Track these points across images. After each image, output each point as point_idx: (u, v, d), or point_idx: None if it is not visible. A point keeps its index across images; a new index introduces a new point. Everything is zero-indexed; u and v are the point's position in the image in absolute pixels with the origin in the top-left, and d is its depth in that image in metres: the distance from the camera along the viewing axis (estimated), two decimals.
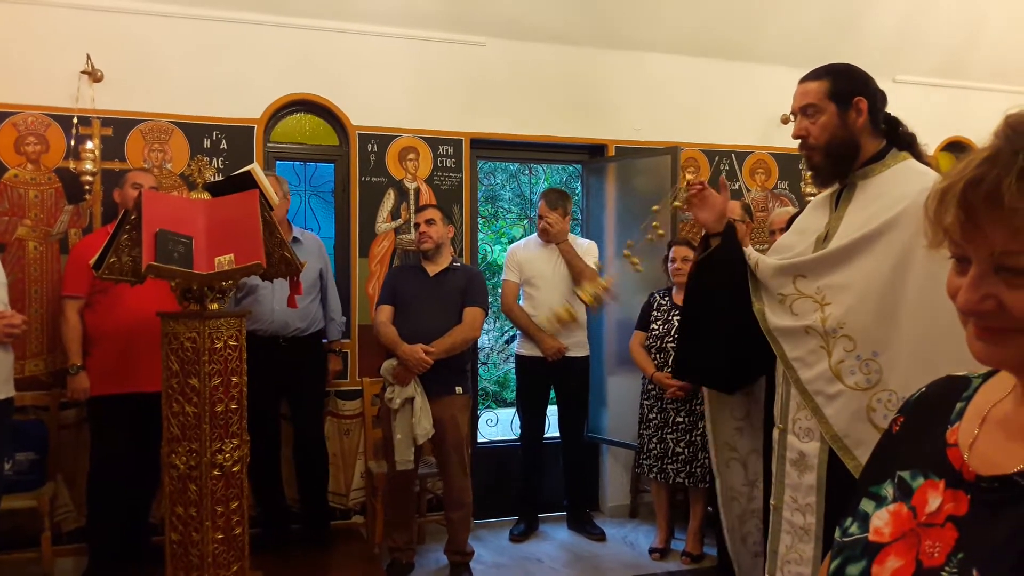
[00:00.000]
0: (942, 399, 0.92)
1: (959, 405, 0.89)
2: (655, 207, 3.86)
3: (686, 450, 4.11)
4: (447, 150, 4.62)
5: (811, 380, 1.97)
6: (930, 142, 3.39)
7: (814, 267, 2.01)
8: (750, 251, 2.24)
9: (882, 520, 0.86)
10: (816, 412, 1.96)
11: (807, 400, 1.99)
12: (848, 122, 1.99)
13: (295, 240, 4.06)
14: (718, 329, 2.23)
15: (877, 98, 2.02)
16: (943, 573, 0.77)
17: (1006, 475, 0.77)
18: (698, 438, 4.06)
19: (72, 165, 3.92)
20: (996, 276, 0.75)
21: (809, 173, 4.95)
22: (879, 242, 1.90)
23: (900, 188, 1.91)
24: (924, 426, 0.91)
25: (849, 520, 0.92)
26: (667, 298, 4.28)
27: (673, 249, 4.22)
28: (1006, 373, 0.83)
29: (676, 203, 2.36)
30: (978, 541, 0.76)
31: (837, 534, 0.92)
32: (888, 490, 0.89)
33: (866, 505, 0.90)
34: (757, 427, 2.31)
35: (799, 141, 2.07)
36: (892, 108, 2.10)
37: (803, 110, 2.04)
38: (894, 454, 0.93)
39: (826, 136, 2.00)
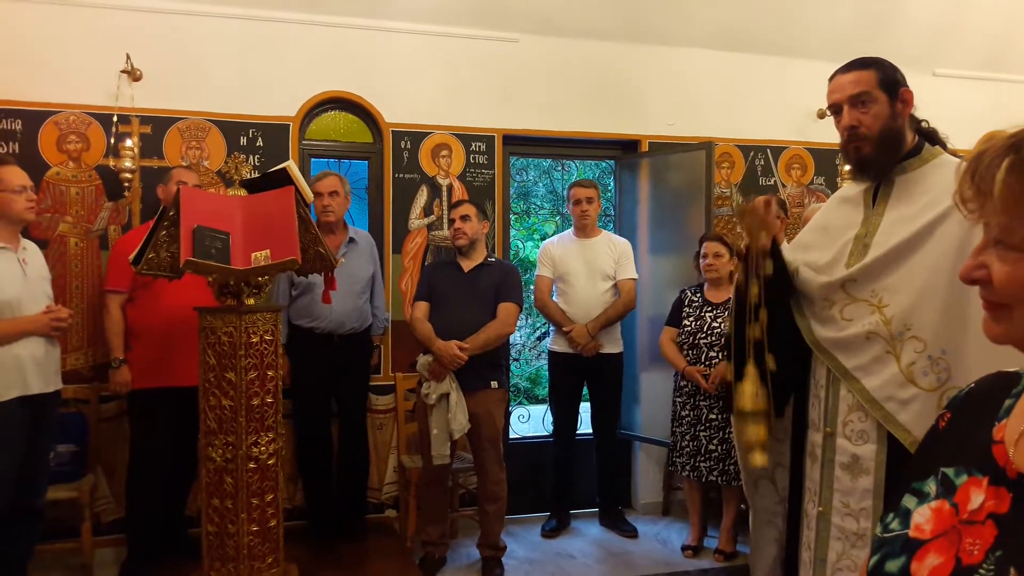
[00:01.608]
0: (990, 395, 0.90)
1: (1008, 402, 0.87)
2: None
3: (719, 447, 4.07)
4: (479, 146, 4.63)
5: (879, 387, 1.90)
6: (971, 136, 3.33)
7: (867, 272, 1.94)
8: (789, 259, 2.15)
9: (923, 517, 0.85)
10: (888, 420, 1.87)
11: (874, 408, 1.90)
12: (896, 113, 1.95)
13: (351, 240, 4.11)
14: (779, 354, 2.09)
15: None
16: (981, 570, 0.76)
17: None
18: (731, 435, 4.03)
19: (112, 163, 4.00)
20: (994, 248, 0.77)
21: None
22: (932, 237, 1.85)
23: (945, 181, 1.84)
24: (971, 422, 0.90)
25: (891, 516, 0.90)
26: (699, 294, 4.24)
27: (705, 245, 4.18)
28: None
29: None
30: (1018, 539, 0.75)
31: (878, 529, 0.91)
32: (931, 487, 0.87)
33: (908, 501, 0.89)
34: (780, 439, 2.22)
35: (848, 132, 1.98)
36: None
37: (853, 100, 1.95)
38: (939, 450, 0.91)
39: (879, 126, 1.94)
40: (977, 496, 0.81)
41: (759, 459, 2.07)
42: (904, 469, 0.97)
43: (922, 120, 2.02)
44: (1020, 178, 0.74)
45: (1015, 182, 0.74)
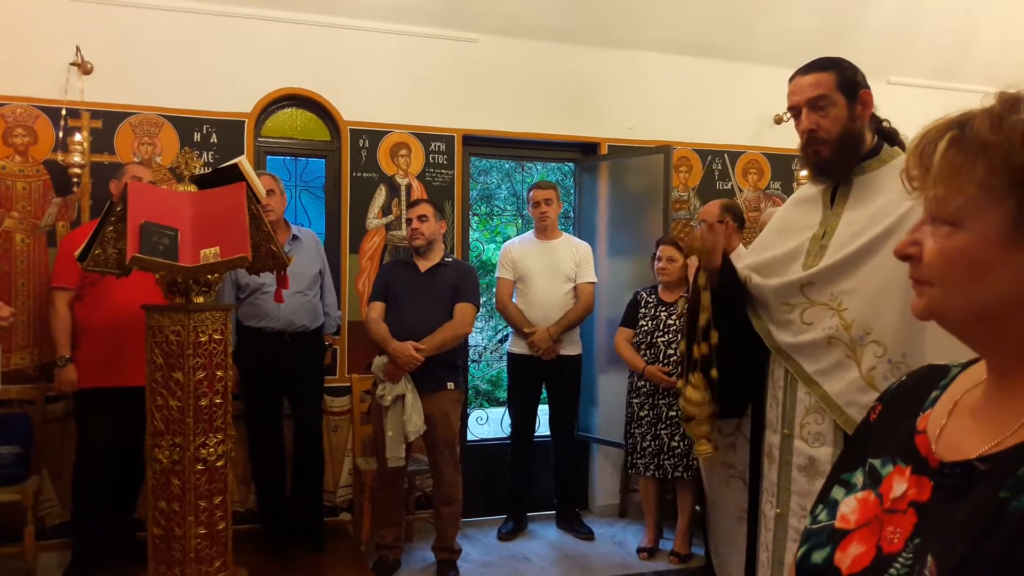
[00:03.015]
0: (919, 388, 0.92)
1: (934, 393, 0.89)
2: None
3: (681, 443, 4.09)
4: (439, 146, 4.60)
5: (840, 392, 1.89)
6: None
7: (826, 274, 1.93)
8: (740, 268, 2.15)
9: (849, 507, 0.86)
10: (849, 424, 1.86)
11: (836, 413, 1.89)
12: (855, 115, 1.93)
13: (294, 238, 4.05)
14: (738, 359, 2.11)
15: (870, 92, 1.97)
16: (900, 558, 0.76)
17: (967, 460, 0.77)
18: None
19: (60, 157, 3.91)
20: (929, 225, 0.80)
21: (804, 173, 5.00)
22: (891, 240, 1.82)
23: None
24: (899, 414, 0.91)
25: (820, 507, 0.91)
26: (653, 295, 4.27)
27: (660, 248, 4.22)
28: (984, 363, 0.82)
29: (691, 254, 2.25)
30: (935, 526, 0.76)
31: (808, 521, 0.92)
32: (858, 478, 0.88)
33: (836, 492, 0.90)
34: (748, 437, 2.22)
35: (806, 136, 1.96)
36: (887, 110, 2.05)
37: (812, 103, 1.93)
38: (868, 442, 0.92)
39: (838, 129, 1.92)
40: (900, 485, 0.82)
41: (704, 448, 2.16)
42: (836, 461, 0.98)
43: (883, 120, 2.01)
44: (959, 152, 0.76)
45: (954, 155, 0.76)
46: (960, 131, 0.77)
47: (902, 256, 0.84)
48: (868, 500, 0.85)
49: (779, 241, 2.13)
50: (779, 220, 2.22)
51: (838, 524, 0.86)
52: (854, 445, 0.97)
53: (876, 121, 2.00)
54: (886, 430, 0.91)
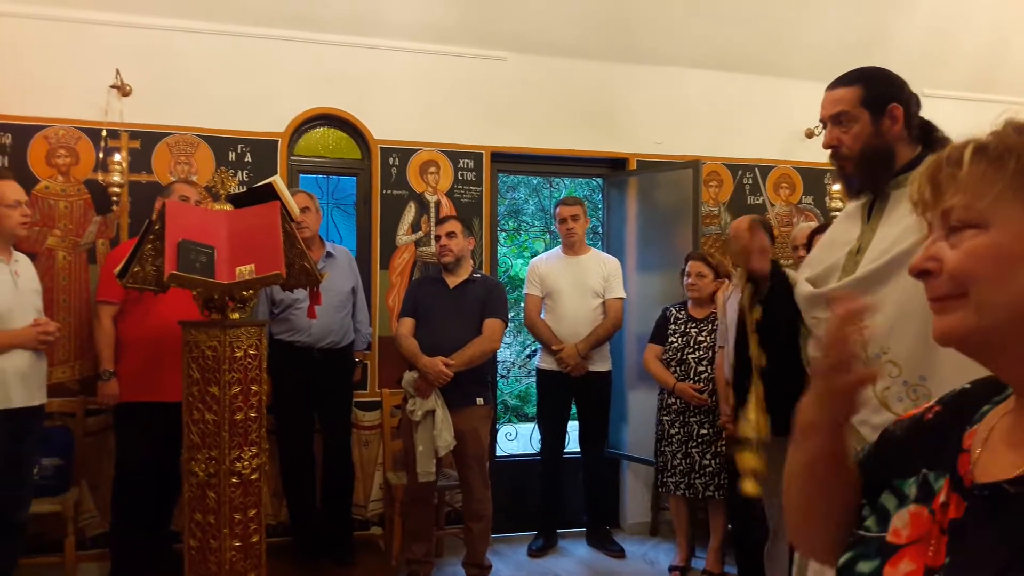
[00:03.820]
0: (977, 399, 0.91)
1: (985, 408, 0.88)
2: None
3: (712, 462, 4.06)
4: (468, 163, 4.65)
5: None
6: None
7: (850, 289, 1.88)
8: (792, 273, 2.12)
9: (902, 521, 0.85)
10: (861, 442, 1.82)
11: (848, 431, 1.90)
12: (882, 130, 1.89)
13: (328, 255, 4.11)
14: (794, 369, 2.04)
15: (911, 103, 1.92)
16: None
17: (996, 483, 0.76)
18: (723, 448, 4.03)
19: (100, 177, 4.01)
20: (945, 240, 0.81)
21: (836, 187, 4.95)
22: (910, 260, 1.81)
23: None
24: (953, 423, 0.90)
25: (868, 510, 0.90)
26: (683, 311, 4.26)
27: (689, 264, 4.20)
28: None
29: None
30: (965, 549, 0.76)
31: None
32: (912, 489, 0.87)
33: (887, 500, 0.89)
34: None
35: (830, 151, 1.95)
36: None
37: (834, 118, 1.92)
38: (921, 446, 0.91)
39: (860, 145, 1.90)
40: (945, 502, 0.82)
41: (750, 487, 2.02)
42: (880, 448, 0.96)
43: (936, 130, 1.95)
44: (983, 159, 0.79)
45: (978, 162, 0.79)
46: (979, 143, 0.80)
47: (918, 272, 0.84)
48: (921, 516, 0.84)
49: (824, 256, 2.11)
50: (828, 234, 2.20)
51: (889, 538, 0.85)
52: (906, 445, 0.94)
53: (927, 131, 1.95)
54: (940, 437, 0.90)
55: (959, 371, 1.69)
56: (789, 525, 1.03)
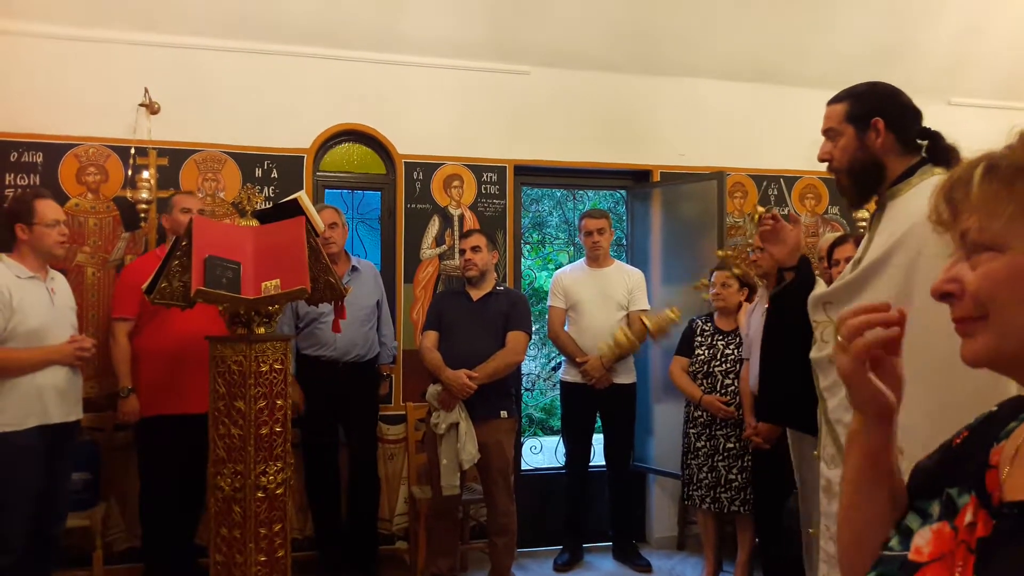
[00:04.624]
0: (1004, 418, 0.89)
1: (1012, 424, 0.87)
2: (720, 252, 3.84)
3: (739, 476, 4.01)
4: (491, 177, 4.66)
5: (834, 409, 1.95)
6: None
7: (838, 294, 1.99)
8: (820, 281, 2.22)
9: (924, 539, 0.85)
10: (837, 441, 1.93)
11: (829, 429, 1.97)
12: (867, 143, 1.97)
13: (354, 269, 4.13)
14: (799, 366, 2.14)
15: (905, 115, 1.97)
16: None
17: (1023, 502, 0.75)
18: (749, 463, 3.98)
19: (129, 194, 4.07)
20: (966, 261, 0.80)
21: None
22: (889, 265, 1.85)
23: (911, 209, 1.83)
24: (980, 443, 0.89)
25: (892, 531, 0.90)
26: (709, 323, 4.22)
27: (714, 274, 4.17)
28: None
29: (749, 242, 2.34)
30: (992, 568, 0.74)
31: None
32: (935, 508, 0.87)
33: (911, 520, 0.89)
34: None
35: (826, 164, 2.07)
36: (950, 131, 2.01)
37: (826, 133, 2.04)
38: (948, 470, 0.90)
39: (846, 159, 1.99)
40: (971, 519, 0.80)
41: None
42: (910, 480, 0.96)
43: (942, 139, 1.99)
44: (993, 179, 0.79)
45: (989, 183, 0.79)
46: (990, 161, 0.79)
47: (940, 295, 0.82)
48: (943, 533, 0.83)
49: (848, 267, 2.16)
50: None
51: (912, 556, 0.84)
52: (931, 471, 0.94)
53: (934, 140, 1.98)
54: (966, 458, 0.89)
55: (929, 370, 1.70)
56: (838, 541, 1.03)
